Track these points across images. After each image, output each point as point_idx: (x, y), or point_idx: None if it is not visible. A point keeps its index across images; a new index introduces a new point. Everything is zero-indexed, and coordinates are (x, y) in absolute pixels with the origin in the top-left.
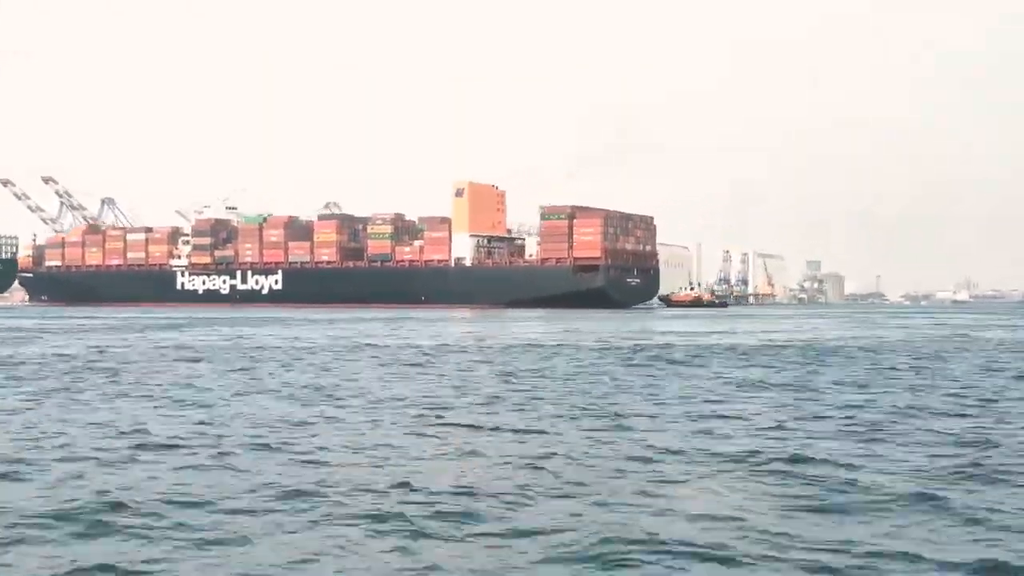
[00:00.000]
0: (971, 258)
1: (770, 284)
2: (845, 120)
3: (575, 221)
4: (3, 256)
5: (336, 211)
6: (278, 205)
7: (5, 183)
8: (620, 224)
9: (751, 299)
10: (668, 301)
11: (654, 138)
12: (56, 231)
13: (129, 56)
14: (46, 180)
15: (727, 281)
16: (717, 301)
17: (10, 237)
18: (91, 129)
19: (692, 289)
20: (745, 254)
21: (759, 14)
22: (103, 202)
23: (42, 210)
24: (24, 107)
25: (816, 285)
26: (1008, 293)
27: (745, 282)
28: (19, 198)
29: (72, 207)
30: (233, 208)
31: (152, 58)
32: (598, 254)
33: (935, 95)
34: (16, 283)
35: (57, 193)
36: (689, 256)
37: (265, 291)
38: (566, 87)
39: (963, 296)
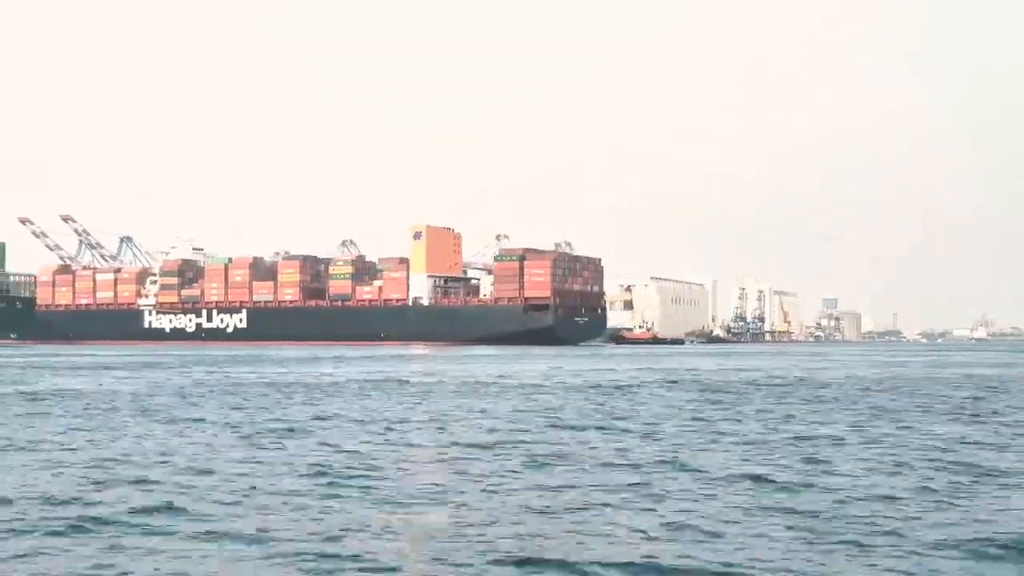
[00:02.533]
0: (989, 296)
1: (786, 321)
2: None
3: (526, 263)
4: (23, 295)
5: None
6: (294, 244)
7: (24, 221)
8: (569, 266)
9: (767, 336)
10: (620, 339)
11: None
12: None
13: (136, 89)
14: (65, 219)
15: (743, 318)
16: (670, 340)
17: (28, 275)
18: (107, 167)
19: (647, 329)
20: (761, 291)
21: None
22: (121, 240)
23: (60, 248)
24: (43, 145)
25: (833, 323)
26: None
27: (761, 319)
28: (38, 236)
29: (90, 245)
30: (200, 249)
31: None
32: (548, 294)
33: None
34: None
35: (76, 231)
36: (705, 293)
37: (230, 329)
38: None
39: (981, 334)
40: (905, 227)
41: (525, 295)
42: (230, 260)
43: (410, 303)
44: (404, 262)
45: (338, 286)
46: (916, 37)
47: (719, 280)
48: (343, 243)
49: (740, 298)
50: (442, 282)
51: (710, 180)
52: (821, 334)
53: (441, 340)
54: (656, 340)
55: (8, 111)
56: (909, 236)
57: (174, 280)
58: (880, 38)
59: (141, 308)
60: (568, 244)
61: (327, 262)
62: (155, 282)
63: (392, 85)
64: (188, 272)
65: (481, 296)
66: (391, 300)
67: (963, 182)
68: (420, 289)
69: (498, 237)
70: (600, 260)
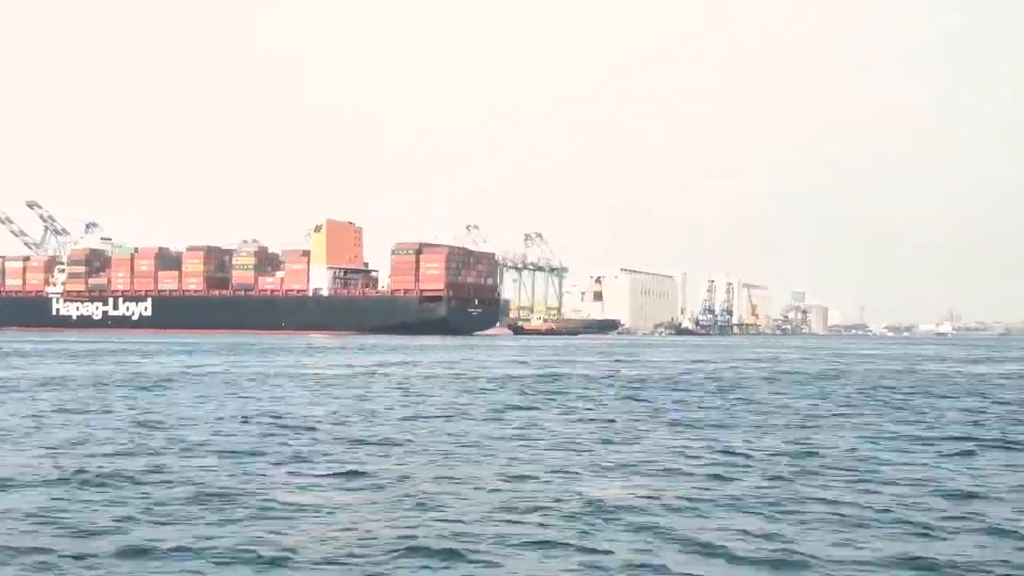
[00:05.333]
0: (956, 290)
1: (754, 314)
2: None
3: (421, 256)
4: None
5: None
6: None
7: None
8: (463, 259)
9: (735, 329)
10: (520, 330)
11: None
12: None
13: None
14: (30, 205)
15: (711, 311)
16: (566, 331)
17: None
18: (106, 165)
19: (545, 320)
20: (730, 284)
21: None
22: (87, 226)
23: (26, 234)
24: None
25: (800, 316)
26: (991, 325)
27: (729, 312)
28: (2, 222)
29: (56, 232)
30: (108, 239)
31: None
32: (441, 287)
33: (916, 121)
34: None
35: (41, 217)
36: (675, 285)
37: (136, 317)
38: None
39: (946, 328)
40: (879, 221)
41: (421, 287)
42: (136, 250)
43: (310, 294)
44: (306, 254)
45: (241, 276)
46: (916, 37)
47: (689, 272)
48: (244, 242)
49: (709, 291)
50: (342, 274)
51: (709, 180)
52: (788, 327)
53: (340, 329)
54: (553, 332)
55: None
56: (881, 230)
57: (81, 269)
58: (880, 38)
59: (49, 296)
60: (539, 235)
61: (231, 253)
62: (63, 271)
63: (392, 85)
64: (95, 261)
65: (379, 288)
66: (292, 290)
67: (938, 178)
68: (320, 280)
69: (468, 228)
70: (495, 255)
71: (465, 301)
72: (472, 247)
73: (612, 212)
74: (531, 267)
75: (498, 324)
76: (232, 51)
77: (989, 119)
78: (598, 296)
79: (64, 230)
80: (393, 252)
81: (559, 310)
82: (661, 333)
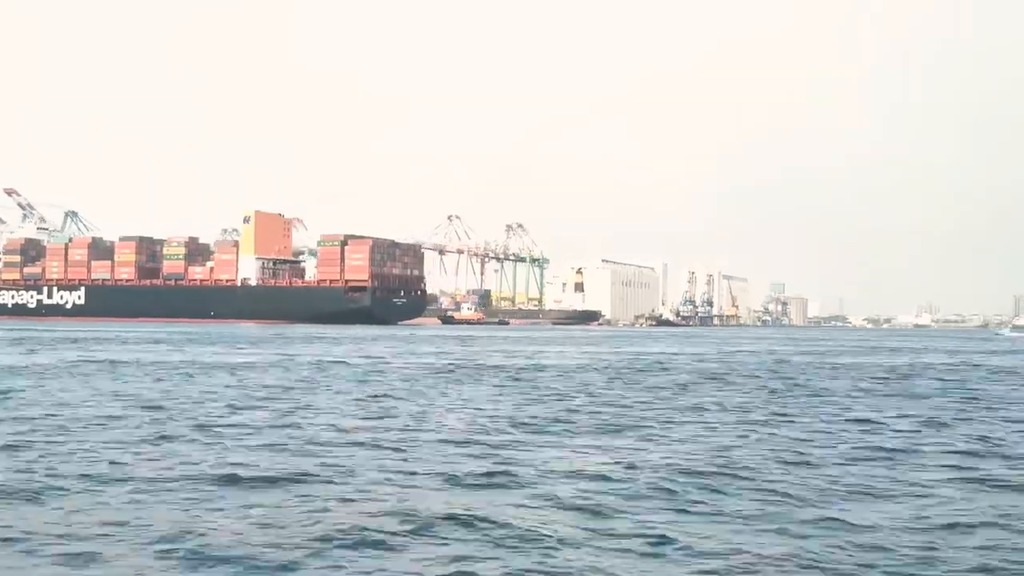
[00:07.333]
0: (935, 282)
1: (735, 306)
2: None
3: (347, 247)
4: None
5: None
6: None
7: None
8: (388, 251)
9: (716, 320)
10: (450, 319)
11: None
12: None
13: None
14: (9, 192)
15: (692, 302)
16: (496, 320)
17: None
18: (110, 166)
19: (474, 311)
20: (710, 275)
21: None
22: (66, 215)
23: (3, 222)
24: None
25: (780, 307)
26: (969, 317)
27: (710, 303)
28: None
29: (35, 219)
30: (45, 228)
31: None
32: (366, 277)
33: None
34: None
35: (20, 205)
36: (656, 277)
37: (69, 306)
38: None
39: (925, 320)
40: (860, 214)
41: (346, 278)
42: (70, 240)
43: (239, 283)
44: (236, 244)
45: (171, 266)
46: (916, 37)
47: (670, 264)
48: (224, 231)
49: (689, 282)
50: (271, 264)
51: (699, 174)
52: (768, 318)
53: (267, 319)
54: (482, 321)
55: None
56: (861, 224)
57: (17, 258)
58: (880, 38)
59: None
60: (520, 226)
61: (162, 243)
62: None
63: (387, 93)
64: (31, 251)
65: (307, 278)
66: (221, 280)
67: (923, 176)
68: (249, 270)
69: (450, 218)
70: (420, 246)
71: (390, 292)
72: (455, 238)
73: (604, 208)
74: (512, 258)
75: (426, 313)
76: (233, 50)
77: (979, 117)
78: (579, 287)
79: (42, 218)
80: (319, 243)
81: (540, 300)
82: (642, 324)
